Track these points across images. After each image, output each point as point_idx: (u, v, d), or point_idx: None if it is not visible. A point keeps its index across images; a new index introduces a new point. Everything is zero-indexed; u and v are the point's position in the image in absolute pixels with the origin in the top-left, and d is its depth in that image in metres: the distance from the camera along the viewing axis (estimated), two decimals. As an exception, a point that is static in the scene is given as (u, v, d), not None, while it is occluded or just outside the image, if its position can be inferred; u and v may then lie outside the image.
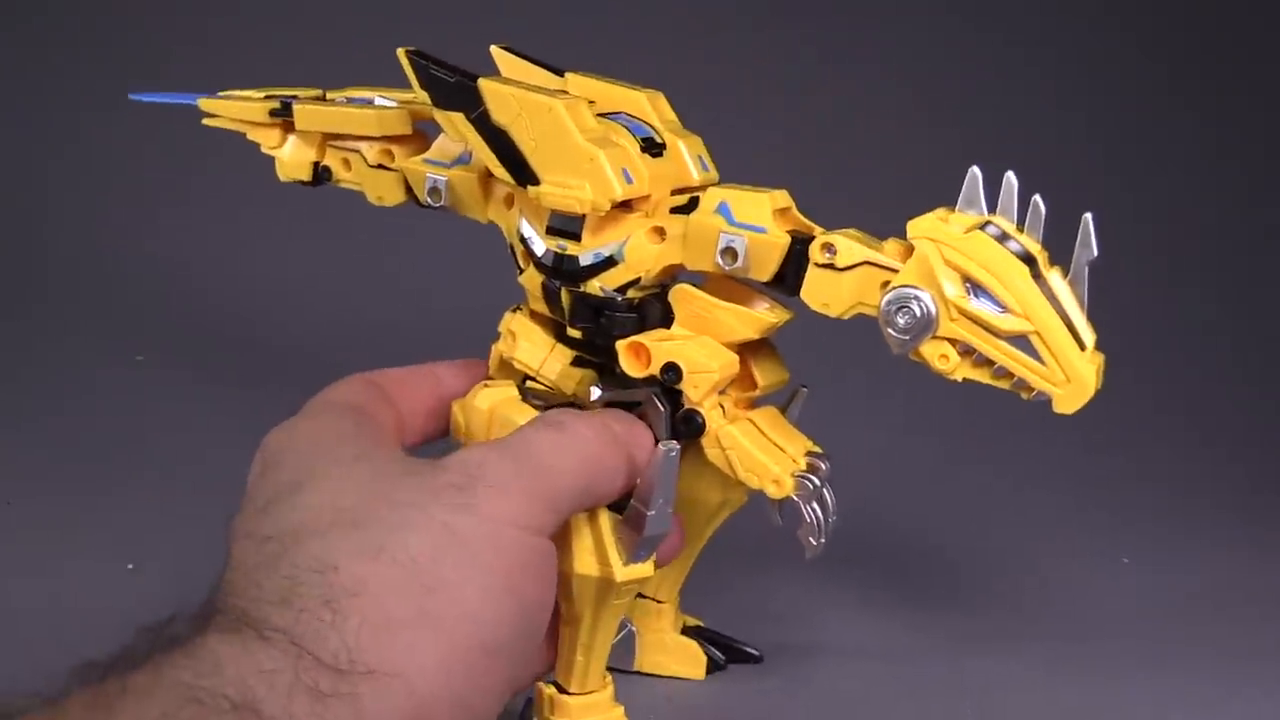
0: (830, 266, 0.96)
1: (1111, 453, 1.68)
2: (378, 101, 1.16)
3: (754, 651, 1.18)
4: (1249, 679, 1.19)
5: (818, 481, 1.00)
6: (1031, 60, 2.23)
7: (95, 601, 1.22)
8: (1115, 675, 1.19)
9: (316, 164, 1.18)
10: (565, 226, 1.02)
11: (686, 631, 1.17)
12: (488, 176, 1.07)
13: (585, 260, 1.02)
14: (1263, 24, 2.27)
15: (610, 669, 1.04)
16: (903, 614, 1.29)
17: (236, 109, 1.20)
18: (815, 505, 1.00)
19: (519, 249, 1.06)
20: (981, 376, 0.95)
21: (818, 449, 1.03)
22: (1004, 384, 0.94)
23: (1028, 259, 0.93)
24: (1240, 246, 2.12)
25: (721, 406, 1.01)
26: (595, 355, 1.05)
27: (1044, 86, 2.21)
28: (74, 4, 2.20)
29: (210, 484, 1.48)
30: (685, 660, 1.16)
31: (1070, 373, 0.92)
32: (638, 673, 1.16)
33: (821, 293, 0.97)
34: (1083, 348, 0.93)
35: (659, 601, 1.15)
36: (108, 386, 1.73)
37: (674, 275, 1.03)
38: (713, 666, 1.16)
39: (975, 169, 0.94)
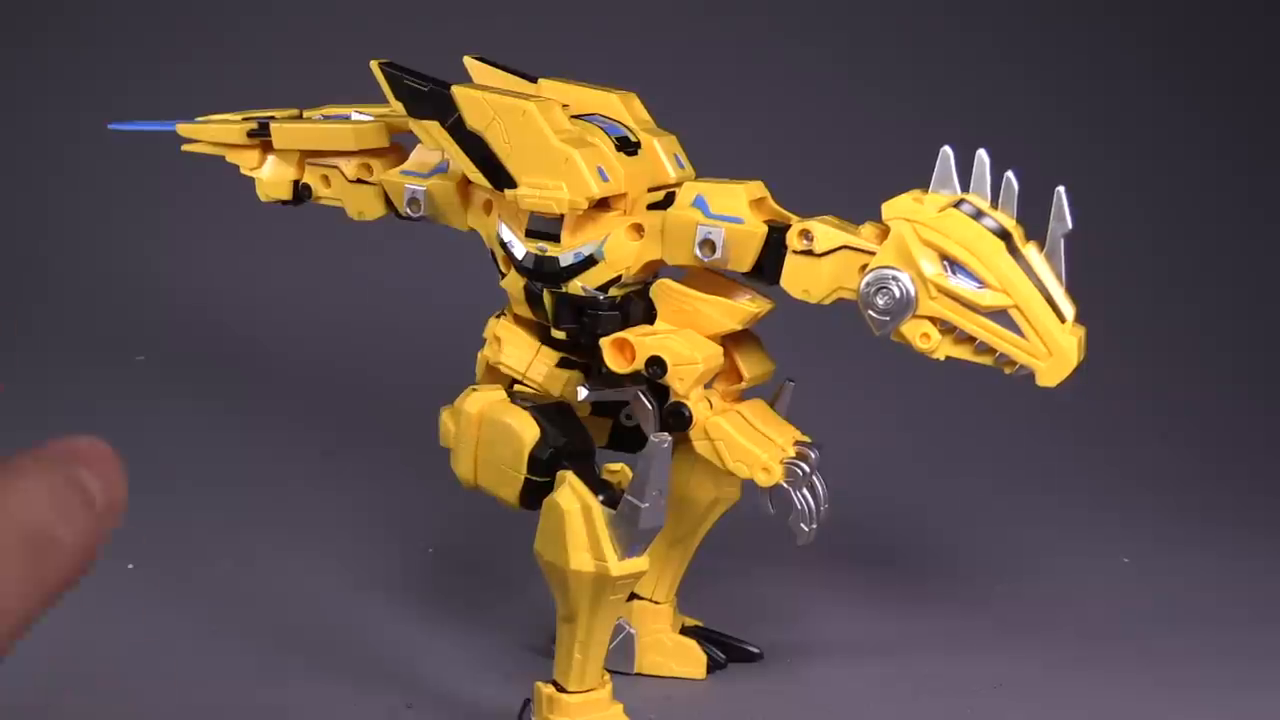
0: (808, 253, 0.97)
1: (1111, 452, 1.68)
2: (354, 117, 1.17)
3: (754, 649, 1.18)
4: (1249, 679, 1.19)
5: (807, 468, 1.00)
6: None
7: (96, 601, 1.22)
8: (1115, 675, 1.19)
9: (296, 182, 1.19)
10: (544, 228, 1.03)
11: (686, 631, 1.16)
12: (465, 184, 1.08)
13: (565, 261, 1.03)
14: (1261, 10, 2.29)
15: (610, 671, 1.04)
16: (902, 612, 1.28)
17: (214, 132, 1.21)
18: (805, 492, 1.01)
19: (499, 254, 1.07)
20: (963, 354, 0.95)
21: (806, 439, 1.03)
22: (986, 360, 0.94)
23: (1003, 235, 0.93)
24: (1240, 246, 2.12)
25: (709, 400, 1.02)
26: (580, 355, 1.06)
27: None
28: (74, 5, 2.23)
29: (210, 484, 1.50)
30: (685, 660, 1.15)
31: (1051, 345, 0.92)
32: (638, 674, 1.15)
33: (801, 280, 0.98)
34: (1063, 320, 0.93)
35: (656, 603, 1.14)
36: (108, 386, 1.73)
37: (655, 271, 1.04)
38: (713, 665, 1.16)
39: (947, 148, 0.95)
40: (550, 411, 1.03)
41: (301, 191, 1.19)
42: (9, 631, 0.50)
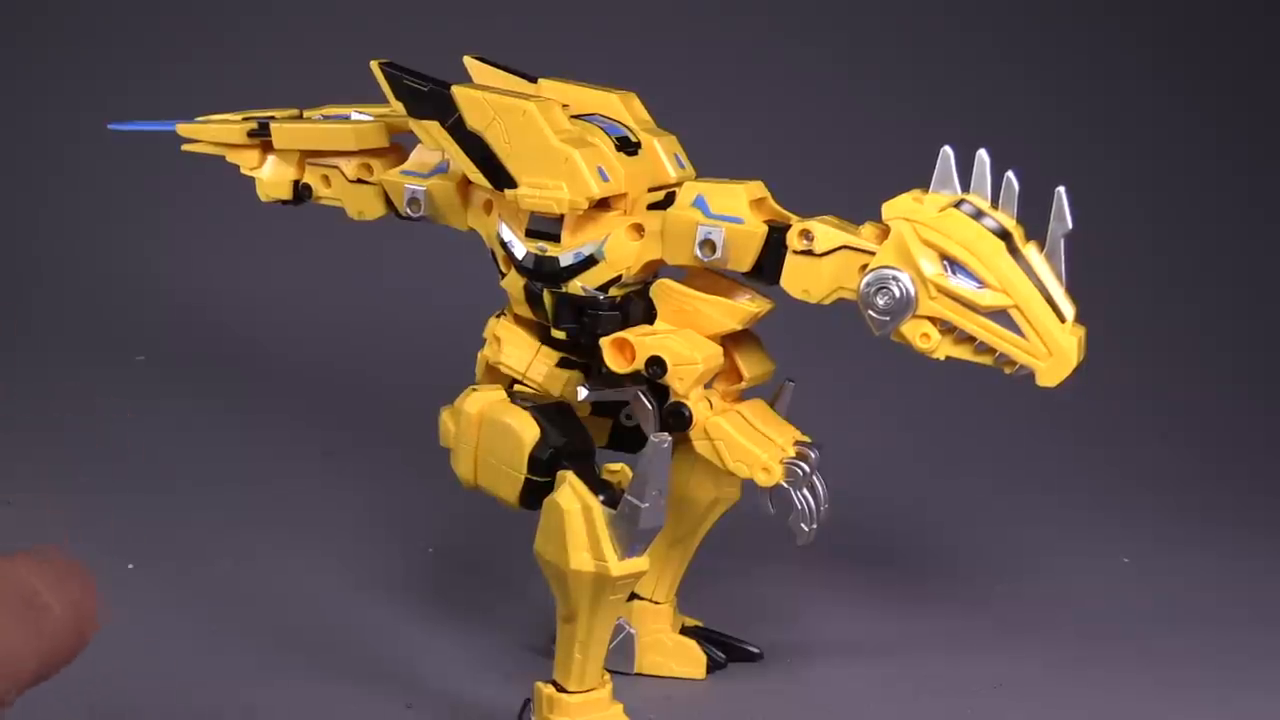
0: (808, 253, 0.97)
1: (1111, 452, 1.68)
2: (354, 116, 1.17)
3: (754, 649, 1.18)
4: (1249, 679, 1.19)
5: (807, 468, 1.01)
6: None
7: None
8: (1115, 675, 1.19)
9: (296, 182, 1.19)
10: (544, 228, 1.03)
11: (686, 631, 1.16)
12: (466, 184, 1.08)
13: (566, 260, 1.03)
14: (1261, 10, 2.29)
15: (610, 671, 1.04)
16: (902, 612, 1.28)
17: (214, 132, 1.21)
18: (805, 492, 1.01)
19: (499, 254, 1.07)
20: (963, 354, 0.95)
21: (807, 439, 1.04)
22: (986, 360, 0.94)
23: (1004, 235, 0.93)
24: (1240, 246, 2.12)
25: (709, 400, 1.02)
26: (580, 355, 1.06)
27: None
28: (75, 6, 2.23)
29: (210, 484, 1.50)
30: (685, 660, 1.15)
31: (1051, 345, 0.92)
32: (638, 674, 1.15)
33: (801, 280, 0.98)
34: (1063, 320, 0.93)
35: (656, 602, 1.14)
36: (108, 386, 1.73)
37: (655, 271, 1.04)
38: (713, 666, 1.16)
39: (947, 148, 0.95)
40: (550, 411, 1.03)
41: (301, 191, 1.20)
42: (6, 682, 0.51)
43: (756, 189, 1.00)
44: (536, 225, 1.03)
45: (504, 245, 1.06)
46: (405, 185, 1.12)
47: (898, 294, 0.93)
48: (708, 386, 1.02)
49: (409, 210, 1.13)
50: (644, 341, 0.99)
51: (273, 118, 1.20)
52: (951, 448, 1.67)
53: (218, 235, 2.03)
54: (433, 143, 1.05)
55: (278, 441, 1.60)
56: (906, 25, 2.24)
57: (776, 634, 1.21)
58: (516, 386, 1.08)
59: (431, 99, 1.03)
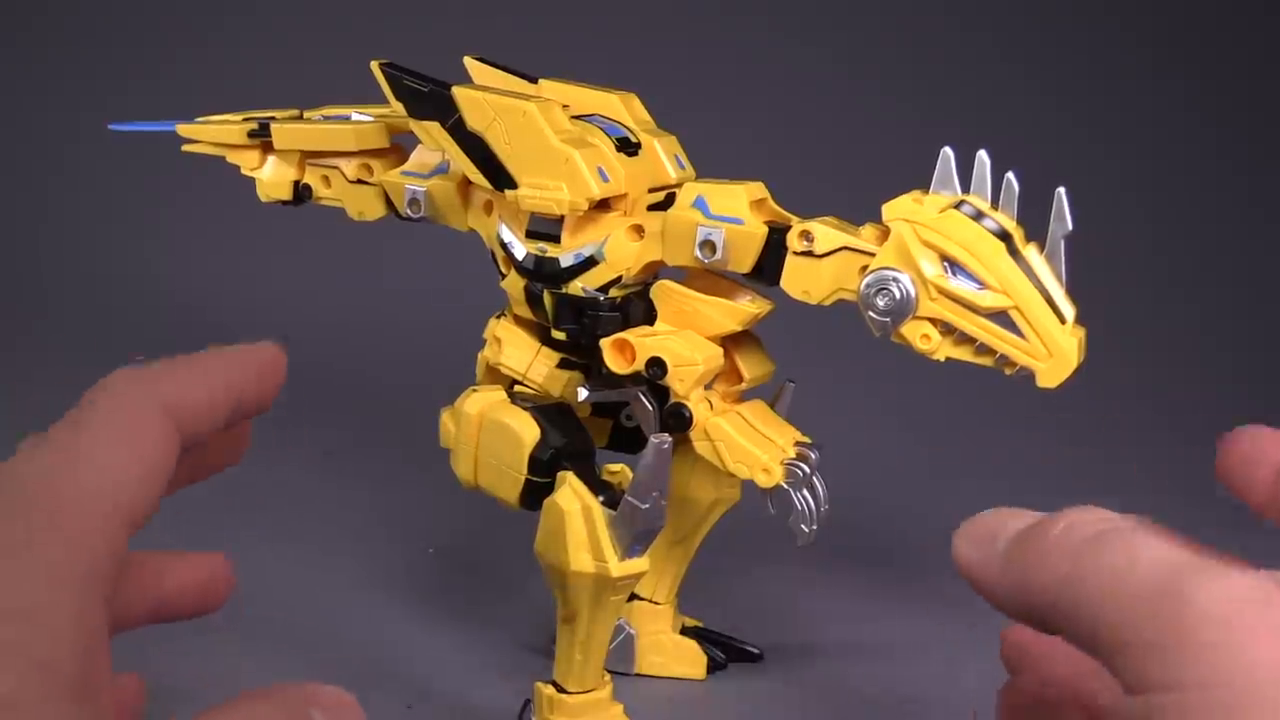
0: (809, 254, 0.97)
1: (1111, 452, 1.68)
2: (354, 117, 1.17)
3: (754, 650, 1.18)
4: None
5: (807, 469, 1.00)
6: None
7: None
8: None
9: (297, 183, 1.19)
10: (545, 229, 1.03)
11: (686, 632, 1.17)
12: (466, 184, 1.08)
13: (566, 261, 1.03)
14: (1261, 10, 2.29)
15: (610, 672, 1.04)
16: (902, 612, 1.28)
17: (215, 133, 1.21)
18: (805, 493, 1.01)
19: (500, 254, 1.07)
20: (964, 355, 0.94)
21: (807, 439, 1.03)
22: (986, 361, 0.94)
23: (1004, 236, 0.93)
24: (1240, 246, 2.13)
25: (709, 400, 1.02)
26: (580, 356, 1.06)
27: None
28: (75, 5, 2.23)
29: (210, 484, 1.49)
30: (685, 660, 1.15)
31: (1052, 347, 0.92)
32: (638, 675, 1.15)
33: (801, 281, 0.98)
34: (1063, 321, 0.92)
35: (656, 603, 1.15)
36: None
37: (655, 272, 1.04)
38: (713, 666, 1.16)
39: (947, 149, 0.95)
40: (550, 412, 1.03)
41: (302, 192, 1.20)
42: None
43: (757, 190, 1.00)
44: (537, 226, 1.03)
45: (504, 246, 1.05)
46: (405, 186, 1.12)
47: (898, 295, 0.93)
48: (708, 387, 1.02)
49: (409, 211, 1.13)
50: (644, 342, 0.99)
51: (273, 118, 1.20)
52: (951, 448, 1.67)
53: (218, 235, 2.03)
54: (433, 143, 1.05)
55: (278, 442, 1.59)
56: (906, 25, 2.24)
57: (777, 634, 1.22)
58: (517, 387, 1.08)
59: (432, 99, 1.03)
